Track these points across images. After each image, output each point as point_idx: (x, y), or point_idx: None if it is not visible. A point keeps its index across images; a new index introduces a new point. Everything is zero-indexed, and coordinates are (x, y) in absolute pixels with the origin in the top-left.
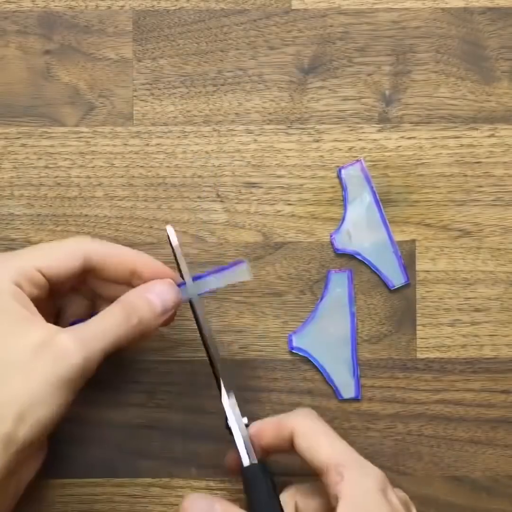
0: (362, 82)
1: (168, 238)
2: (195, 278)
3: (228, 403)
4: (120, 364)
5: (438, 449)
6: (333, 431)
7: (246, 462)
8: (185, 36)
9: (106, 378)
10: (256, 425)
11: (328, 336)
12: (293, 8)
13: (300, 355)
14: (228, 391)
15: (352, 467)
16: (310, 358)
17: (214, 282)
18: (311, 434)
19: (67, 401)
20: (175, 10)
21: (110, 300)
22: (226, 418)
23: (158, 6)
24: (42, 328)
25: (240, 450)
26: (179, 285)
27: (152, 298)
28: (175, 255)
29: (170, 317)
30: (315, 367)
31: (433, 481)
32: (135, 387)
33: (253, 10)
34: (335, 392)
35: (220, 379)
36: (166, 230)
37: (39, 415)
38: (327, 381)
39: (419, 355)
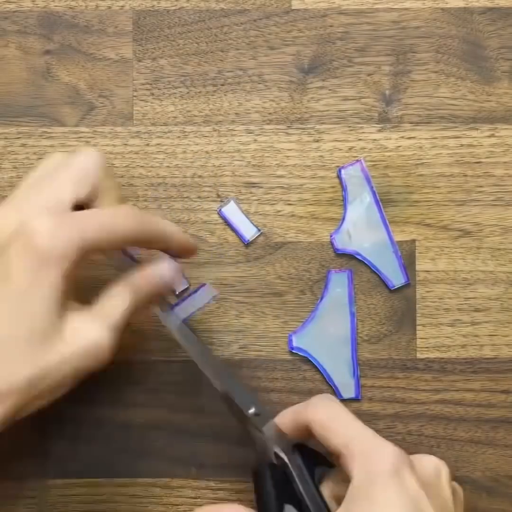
0: (362, 82)
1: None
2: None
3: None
4: (121, 364)
5: (438, 449)
6: (349, 413)
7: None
8: (185, 36)
9: (107, 378)
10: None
11: (328, 336)
12: (293, 8)
13: (300, 355)
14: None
15: (363, 449)
16: (310, 358)
17: (187, 308)
18: (326, 421)
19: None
20: (175, 10)
21: None
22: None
23: (158, 6)
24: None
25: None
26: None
27: (159, 275)
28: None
29: None
30: (315, 367)
31: None
32: (136, 387)
33: (253, 10)
34: (335, 392)
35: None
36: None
37: None
38: (327, 381)
39: (419, 355)
